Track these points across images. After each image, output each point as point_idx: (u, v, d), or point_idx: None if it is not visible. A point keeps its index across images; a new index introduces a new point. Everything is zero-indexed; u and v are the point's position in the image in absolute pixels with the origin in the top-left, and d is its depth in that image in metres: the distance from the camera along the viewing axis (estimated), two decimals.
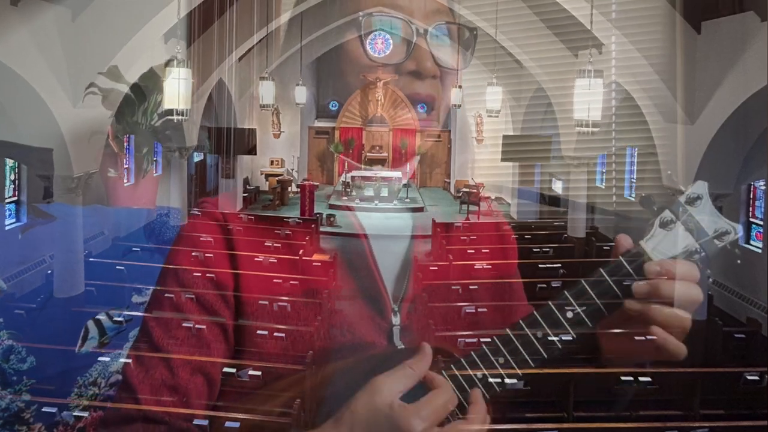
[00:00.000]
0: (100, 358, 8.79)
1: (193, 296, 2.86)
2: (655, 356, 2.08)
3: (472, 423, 1.92)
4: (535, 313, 2.05)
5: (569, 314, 2.02)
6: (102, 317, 8.79)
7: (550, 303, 2.05)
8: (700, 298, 2.00)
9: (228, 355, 3.02)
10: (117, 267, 9.65)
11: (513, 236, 3.57)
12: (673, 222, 1.84)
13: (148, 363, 2.68)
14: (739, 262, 1.94)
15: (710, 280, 2.01)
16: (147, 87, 8.72)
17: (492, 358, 2.00)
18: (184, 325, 2.87)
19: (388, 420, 1.76)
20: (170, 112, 8.22)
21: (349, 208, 17.16)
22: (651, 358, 2.09)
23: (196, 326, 2.82)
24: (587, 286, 1.98)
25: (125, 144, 12.91)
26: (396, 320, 2.81)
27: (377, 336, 2.82)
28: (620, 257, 1.94)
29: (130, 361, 2.86)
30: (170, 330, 2.88)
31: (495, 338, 2.05)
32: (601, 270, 1.97)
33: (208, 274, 3.03)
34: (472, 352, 1.99)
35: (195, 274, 3.04)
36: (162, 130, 8.62)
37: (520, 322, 2.03)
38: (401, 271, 3.14)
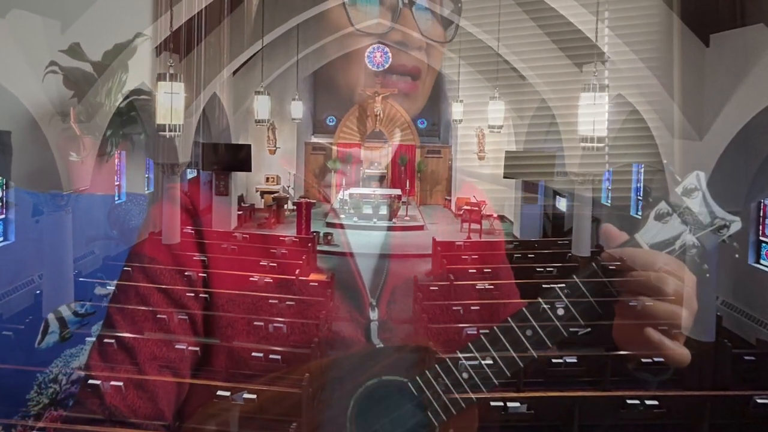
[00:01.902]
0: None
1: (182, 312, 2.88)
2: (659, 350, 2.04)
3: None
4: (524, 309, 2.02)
5: (560, 311, 2.00)
6: (63, 310, 8.66)
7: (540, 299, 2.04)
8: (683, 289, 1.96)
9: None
10: (107, 287, 9.63)
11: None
12: (668, 214, 1.81)
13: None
14: (737, 256, 1.93)
15: (718, 300, 2.00)
16: (111, 66, 8.53)
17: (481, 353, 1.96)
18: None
19: None
20: (138, 92, 8.18)
21: (342, 226, 17.22)
22: (654, 350, 2.05)
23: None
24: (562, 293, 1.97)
25: (117, 160, 12.92)
26: (374, 315, 2.81)
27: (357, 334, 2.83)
28: (593, 264, 1.93)
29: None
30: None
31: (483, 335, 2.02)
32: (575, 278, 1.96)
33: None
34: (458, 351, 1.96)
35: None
36: (127, 111, 8.42)
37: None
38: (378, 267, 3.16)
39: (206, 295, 10.30)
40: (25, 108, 8.36)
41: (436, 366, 1.89)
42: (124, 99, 8.47)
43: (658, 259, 1.80)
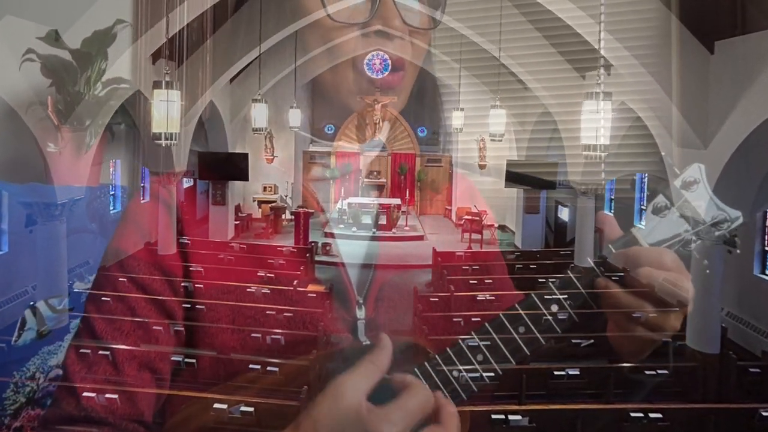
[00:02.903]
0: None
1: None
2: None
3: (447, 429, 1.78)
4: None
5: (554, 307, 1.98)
6: (41, 305, 8.52)
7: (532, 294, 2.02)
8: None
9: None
10: (102, 298, 9.56)
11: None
12: (666, 208, 1.76)
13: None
14: (738, 251, 1.90)
15: (723, 311, 1.99)
16: (90, 53, 8.39)
17: (469, 355, 1.92)
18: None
19: (356, 425, 1.62)
20: (118, 80, 8.09)
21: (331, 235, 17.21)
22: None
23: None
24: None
25: (111, 168, 12.92)
26: (360, 314, 2.79)
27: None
28: (569, 272, 1.92)
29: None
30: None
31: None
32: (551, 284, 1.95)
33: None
34: (448, 349, 1.92)
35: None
36: (106, 101, 8.28)
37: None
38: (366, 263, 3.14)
39: (202, 306, 10.31)
40: (1, 98, 8.22)
41: (425, 363, 1.87)
42: (104, 88, 8.33)
43: (665, 258, 1.78)
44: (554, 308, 1.97)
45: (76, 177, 8.52)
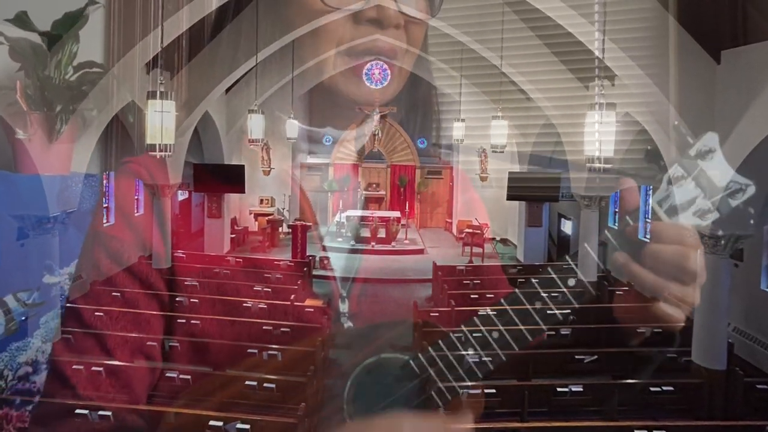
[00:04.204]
0: None
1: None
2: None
3: None
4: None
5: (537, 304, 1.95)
6: (9, 300, 8.33)
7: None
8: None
9: None
10: (96, 313, 9.54)
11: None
12: (683, 178, 1.74)
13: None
14: (751, 221, 1.88)
15: (730, 327, 1.99)
16: (60, 35, 8.14)
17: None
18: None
19: None
20: (89, 64, 7.90)
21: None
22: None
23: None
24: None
25: (105, 182, 12.91)
26: (344, 307, 2.79)
27: None
28: (554, 275, 1.90)
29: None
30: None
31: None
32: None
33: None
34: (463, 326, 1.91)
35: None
36: (77, 86, 8.07)
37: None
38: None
39: (197, 322, 10.33)
40: None
41: (440, 341, 1.86)
42: (75, 72, 8.13)
43: (685, 234, 1.77)
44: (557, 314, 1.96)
45: (46, 165, 8.34)
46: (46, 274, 8.80)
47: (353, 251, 17.28)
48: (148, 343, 8.16)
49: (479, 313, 1.89)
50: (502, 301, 1.96)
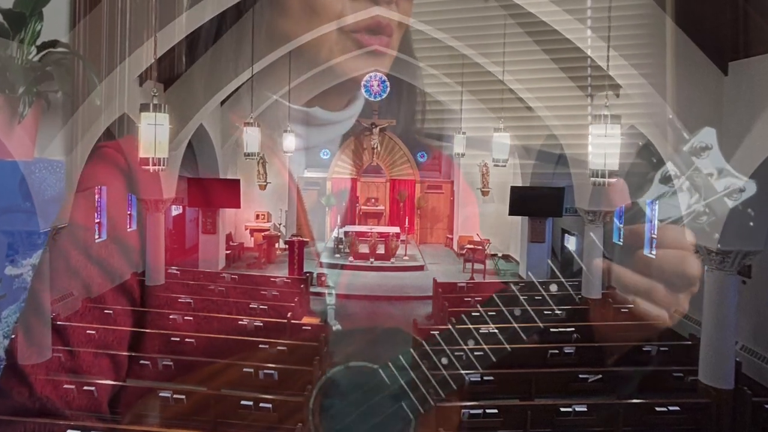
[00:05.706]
0: None
1: None
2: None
3: None
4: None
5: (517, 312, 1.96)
6: None
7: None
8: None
9: None
10: (19, 265, 9.41)
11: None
12: (675, 177, 1.71)
13: None
14: (751, 224, 1.87)
15: (737, 345, 1.98)
16: (23, 13, 7.97)
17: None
18: None
19: None
20: (53, 44, 7.78)
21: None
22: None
23: None
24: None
25: (98, 196, 12.89)
26: (331, 300, 2.79)
27: None
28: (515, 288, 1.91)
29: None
30: None
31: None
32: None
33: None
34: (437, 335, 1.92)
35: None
36: (42, 67, 7.91)
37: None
38: None
39: (191, 340, 10.31)
40: None
41: (412, 350, 1.85)
42: (39, 52, 8.00)
43: (688, 248, 1.76)
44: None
45: (8, 150, 8.20)
46: (8, 266, 8.68)
47: (352, 267, 17.27)
48: (141, 362, 8.13)
49: (480, 331, 1.89)
50: (506, 313, 1.96)
